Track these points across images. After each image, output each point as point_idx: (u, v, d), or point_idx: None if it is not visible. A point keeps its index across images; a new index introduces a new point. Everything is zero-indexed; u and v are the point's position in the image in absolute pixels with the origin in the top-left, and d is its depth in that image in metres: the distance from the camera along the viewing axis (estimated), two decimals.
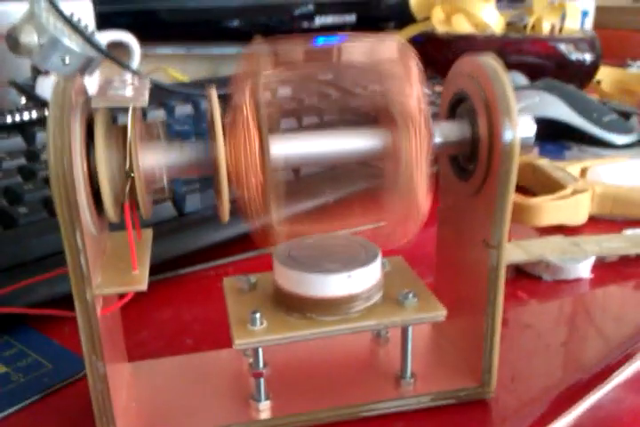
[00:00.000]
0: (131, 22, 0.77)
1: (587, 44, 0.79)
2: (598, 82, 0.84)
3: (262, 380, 0.25)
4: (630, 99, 0.80)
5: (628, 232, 0.41)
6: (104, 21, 0.64)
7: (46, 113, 0.51)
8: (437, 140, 0.24)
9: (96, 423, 0.23)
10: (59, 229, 0.34)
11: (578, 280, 0.37)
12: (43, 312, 0.30)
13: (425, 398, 0.26)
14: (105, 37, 0.63)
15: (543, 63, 0.78)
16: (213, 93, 0.23)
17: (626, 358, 0.30)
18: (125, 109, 0.22)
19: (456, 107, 0.26)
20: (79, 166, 0.20)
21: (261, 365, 0.24)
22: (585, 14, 1.12)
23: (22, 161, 0.42)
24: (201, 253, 0.37)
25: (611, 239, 0.40)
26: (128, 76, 0.24)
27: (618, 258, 0.39)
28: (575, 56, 0.78)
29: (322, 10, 0.89)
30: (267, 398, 0.25)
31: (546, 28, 0.83)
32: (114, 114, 0.22)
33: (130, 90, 0.22)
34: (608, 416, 0.29)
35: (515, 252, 0.38)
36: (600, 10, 1.18)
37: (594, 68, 0.80)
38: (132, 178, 0.21)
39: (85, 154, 0.21)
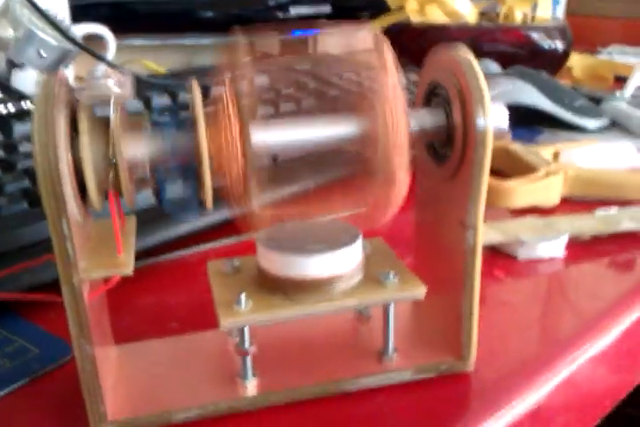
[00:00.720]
0: (104, 14, 0.76)
1: (558, 33, 0.80)
2: (570, 68, 0.86)
3: (248, 358, 0.26)
4: (601, 84, 0.81)
5: (600, 212, 0.42)
6: (78, 14, 0.64)
7: (23, 106, 0.51)
8: (414, 127, 0.25)
9: (86, 404, 0.24)
10: (39, 219, 0.35)
11: (551, 259, 0.38)
12: (30, 297, 0.30)
13: (406, 372, 0.27)
14: (80, 30, 0.63)
15: (516, 51, 0.79)
16: (195, 84, 0.23)
17: (599, 332, 0.31)
18: (107, 101, 0.22)
19: (431, 96, 0.27)
20: (64, 159, 0.21)
21: (247, 344, 0.25)
22: (556, 2, 1.14)
23: (0, 153, 0.43)
24: (181, 240, 0.38)
25: (583, 219, 0.41)
26: (110, 70, 0.24)
27: (590, 237, 0.40)
28: (547, 44, 0.79)
29: (297, 0, 0.89)
30: (253, 376, 0.26)
31: (518, 17, 0.84)
32: (94, 106, 0.23)
33: (113, 82, 0.22)
34: (582, 388, 0.31)
35: (490, 232, 0.39)
36: None
37: (565, 55, 0.81)
38: (116, 167, 0.22)
39: (69, 146, 0.22)
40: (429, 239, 0.29)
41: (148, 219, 0.37)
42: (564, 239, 0.39)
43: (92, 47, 0.56)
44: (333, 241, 0.26)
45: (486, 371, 0.28)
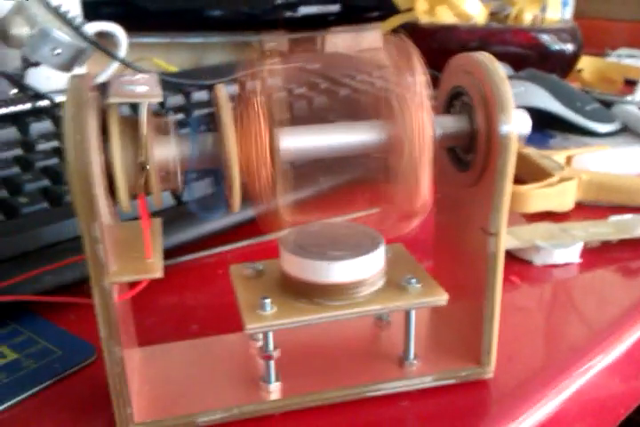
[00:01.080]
0: (114, 12, 0.77)
1: (568, 34, 0.80)
2: (579, 71, 0.86)
3: (272, 362, 0.26)
4: (610, 87, 0.81)
5: (614, 218, 0.43)
6: (89, 11, 0.64)
7: (38, 104, 0.51)
8: (437, 131, 0.25)
9: (113, 406, 0.24)
10: (60, 219, 0.35)
11: (567, 265, 0.38)
12: (55, 300, 0.30)
13: (427, 379, 0.27)
14: (92, 28, 0.63)
15: (525, 53, 0.79)
16: (222, 88, 0.23)
17: (615, 340, 0.31)
18: (136, 103, 0.22)
19: (453, 101, 0.27)
20: (97, 161, 0.21)
21: (271, 348, 0.25)
22: (565, 4, 1.14)
23: (19, 151, 0.43)
24: (201, 241, 0.38)
25: (597, 225, 0.41)
26: (136, 73, 0.24)
27: (603, 243, 0.40)
28: (557, 46, 0.79)
29: None
30: (277, 380, 0.26)
31: (527, 19, 0.84)
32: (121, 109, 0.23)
33: (142, 86, 0.22)
34: (598, 395, 0.31)
35: (506, 238, 0.39)
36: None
37: (575, 57, 0.81)
38: (147, 171, 0.22)
39: (101, 148, 0.22)
40: (450, 245, 0.29)
41: (166, 220, 0.37)
42: (580, 245, 0.39)
43: (104, 45, 0.56)
44: (357, 246, 0.26)
45: (505, 378, 0.28)
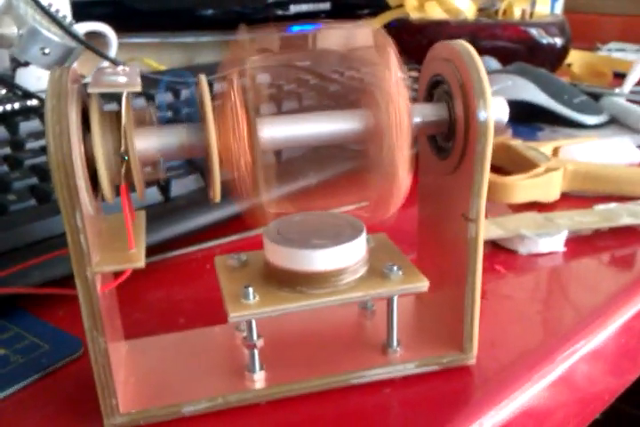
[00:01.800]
0: (105, 12, 0.77)
1: (557, 29, 0.81)
2: (569, 65, 0.86)
3: (256, 351, 0.26)
4: (600, 80, 0.82)
5: (599, 207, 0.43)
6: (79, 11, 0.64)
7: (27, 103, 0.52)
8: (416, 120, 0.25)
9: (99, 397, 0.24)
10: (48, 216, 0.35)
11: (552, 253, 0.39)
12: (43, 291, 0.30)
13: (410, 365, 0.27)
14: (82, 28, 0.63)
15: (515, 47, 0.79)
16: (203, 79, 0.24)
17: (599, 326, 0.32)
18: (114, 96, 0.23)
19: (433, 89, 0.27)
20: (77, 152, 0.21)
21: (255, 337, 0.26)
22: None
23: (7, 151, 0.43)
24: (187, 236, 0.38)
25: (582, 214, 0.42)
26: (118, 66, 0.25)
27: (590, 232, 0.41)
28: (546, 40, 0.80)
29: None
30: (261, 369, 0.26)
31: (517, 13, 0.85)
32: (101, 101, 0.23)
33: (122, 77, 0.23)
34: (581, 381, 0.31)
35: (491, 228, 0.39)
36: None
37: (564, 51, 0.82)
38: (128, 160, 0.22)
39: (82, 139, 0.22)
40: (432, 233, 0.29)
41: (154, 215, 0.37)
42: (564, 234, 0.39)
43: (94, 45, 0.56)
44: (339, 235, 0.26)
45: (488, 363, 0.28)
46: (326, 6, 0.94)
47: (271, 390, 0.26)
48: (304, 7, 0.91)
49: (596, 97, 0.68)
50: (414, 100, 0.28)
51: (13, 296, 0.32)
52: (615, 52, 1.01)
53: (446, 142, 0.26)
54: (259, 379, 0.26)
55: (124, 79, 0.22)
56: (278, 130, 0.24)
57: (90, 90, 0.22)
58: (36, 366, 0.29)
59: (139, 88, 0.22)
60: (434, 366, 0.27)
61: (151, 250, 0.37)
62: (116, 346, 0.27)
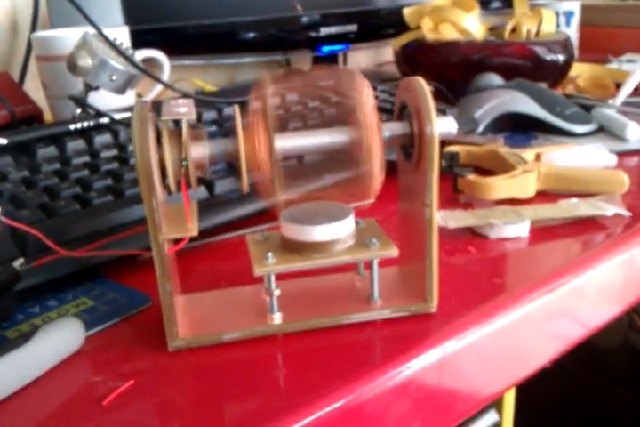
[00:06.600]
0: (157, 38, 0.89)
1: (559, 46, 0.89)
2: (576, 77, 0.94)
3: (274, 298, 0.37)
4: (603, 92, 0.89)
5: (562, 202, 0.52)
6: (135, 38, 0.76)
7: (99, 121, 0.64)
8: (387, 133, 0.36)
9: (164, 326, 0.35)
10: (120, 208, 0.47)
11: (517, 238, 0.48)
12: (127, 253, 0.42)
13: (387, 311, 0.37)
14: (140, 55, 0.75)
15: (521, 64, 0.88)
16: (236, 108, 0.34)
17: (545, 289, 0.41)
18: (179, 120, 0.34)
19: (402, 111, 0.37)
20: (154, 159, 0.32)
21: (273, 287, 0.36)
22: (570, 14, 1.22)
23: (87, 159, 0.55)
24: (226, 225, 0.49)
25: (546, 207, 0.51)
26: (180, 99, 0.36)
27: (555, 223, 0.50)
28: (549, 57, 0.88)
29: (326, 21, 1.00)
30: (278, 311, 0.37)
31: (523, 32, 0.94)
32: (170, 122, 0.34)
33: (183, 107, 0.34)
34: (524, 330, 0.41)
35: (468, 217, 0.49)
36: (587, 8, 1.26)
37: (566, 66, 0.90)
38: (186, 165, 0.33)
39: (156, 150, 0.33)
40: (406, 218, 0.40)
41: (201, 208, 0.48)
42: (527, 223, 0.49)
43: (149, 69, 0.68)
44: (333, 216, 0.37)
45: (445, 311, 0.38)
46: (353, 28, 1.04)
47: (285, 326, 0.37)
48: (333, 29, 1.02)
49: (588, 108, 0.77)
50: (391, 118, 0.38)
51: (97, 266, 0.44)
52: (626, 64, 1.07)
53: (411, 150, 0.37)
54: (276, 318, 0.37)
55: (185, 109, 0.33)
56: (287, 142, 0.35)
57: (163, 118, 0.33)
58: (117, 312, 0.40)
59: (194, 116, 0.33)
60: (404, 312, 0.38)
61: (199, 235, 0.48)
62: (175, 297, 0.38)
